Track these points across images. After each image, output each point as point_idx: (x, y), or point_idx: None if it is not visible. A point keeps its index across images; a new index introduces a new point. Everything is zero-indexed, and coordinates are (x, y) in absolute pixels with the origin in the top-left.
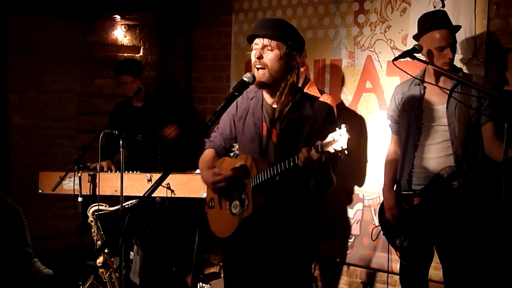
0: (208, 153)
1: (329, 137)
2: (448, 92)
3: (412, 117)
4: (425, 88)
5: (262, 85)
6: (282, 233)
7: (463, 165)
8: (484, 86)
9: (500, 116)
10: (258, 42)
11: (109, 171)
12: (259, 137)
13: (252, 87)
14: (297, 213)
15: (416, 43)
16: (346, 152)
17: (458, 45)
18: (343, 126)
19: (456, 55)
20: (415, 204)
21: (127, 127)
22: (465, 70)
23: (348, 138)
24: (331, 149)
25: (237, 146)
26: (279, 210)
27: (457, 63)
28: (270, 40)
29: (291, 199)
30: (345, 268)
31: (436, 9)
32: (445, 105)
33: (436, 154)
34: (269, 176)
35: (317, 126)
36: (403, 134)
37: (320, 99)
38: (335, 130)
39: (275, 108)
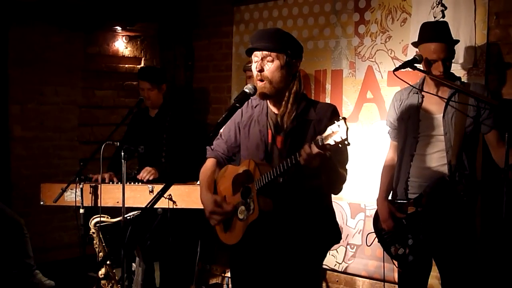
0: (209, 164)
1: (328, 130)
2: (445, 101)
3: (409, 126)
4: (423, 97)
5: (265, 97)
6: (290, 236)
7: (455, 175)
8: (482, 95)
9: (501, 123)
10: (258, 55)
11: (110, 183)
12: (264, 144)
13: (256, 95)
14: (305, 215)
15: (417, 53)
16: (346, 142)
17: (458, 55)
18: (341, 118)
19: (456, 65)
20: (409, 213)
21: (139, 136)
22: (465, 80)
23: (347, 128)
24: (331, 141)
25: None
26: (286, 213)
27: (458, 72)
28: (269, 52)
29: (298, 201)
30: (346, 278)
31: (436, 19)
32: (442, 114)
33: (431, 164)
34: (272, 177)
35: (322, 126)
36: (400, 142)
37: None
38: (334, 123)
39: (278, 114)
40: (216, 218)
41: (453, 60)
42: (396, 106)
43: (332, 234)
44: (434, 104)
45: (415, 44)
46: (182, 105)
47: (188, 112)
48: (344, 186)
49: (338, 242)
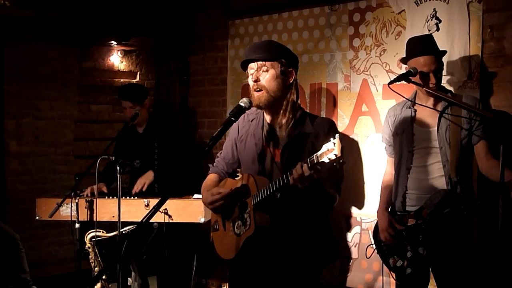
0: (210, 177)
1: (323, 148)
2: (439, 112)
3: (404, 140)
4: (415, 111)
5: (262, 107)
6: (287, 252)
7: (457, 188)
8: (475, 107)
9: (493, 135)
10: (253, 66)
11: (106, 197)
12: (261, 158)
13: (252, 109)
14: (302, 231)
15: (412, 66)
16: (340, 160)
17: (453, 67)
18: (336, 135)
19: (452, 77)
20: (409, 225)
21: (129, 152)
22: (460, 92)
23: (342, 146)
24: (325, 159)
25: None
26: (283, 228)
27: (453, 85)
28: (264, 62)
29: (295, 217)
30: None
31: (430, 32)
32: (436, 128)
33: (429, 175)
34: (268, 193)
35: (319, 141)
36: (396, 157)
37: None
38: (329, 141)
39: (275, 128)
40: (217, 204)
41: (448, 72)
42: (390, 122)
43: (330, 251)
44: (427, 117)
45: (404, 61)
46: (168, 120)
47: (174, 127)
48: (340, 199)
49: (336, 260)
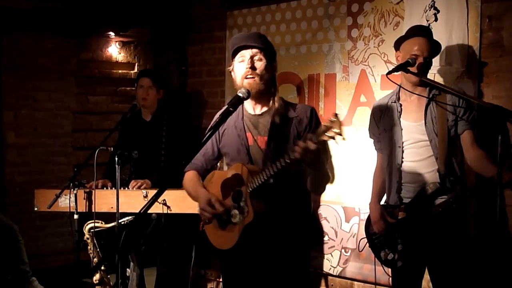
0: (192, 174)
1: (322, 126)
2: (426, 100)
3: (393, 136)
4: (401, 105)
5: (252, 94)
6: (282, 235)
7: (446, 181)
8: (460, 91)
9: (478, 124)
10: (245, 54)
11: (104, 188)
12: (245, 148)
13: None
14: (295, 214)
15: (410, 57)
16: (340, 136)
17: (451, 58)
18: (334, 114)
19: (450, 67)
20: (400, 218)
21: (134, 141)
22: (458, 83)
23: (341, 122)
24: (325, 137)
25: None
26: (278, 212)
27: (451, 76)
28: (258, 51)
29: (289, 201)
30: (341, 282)
31: (428, 22)
32: (423, 121)
33: (423, 170)
34: (264, 179)
35: (303, 126)
36: (387, 153)
37: None
38: (328, 121)
39: (257, 115)
40: (206, 215)
41: (446, 63)
42: (376, 118)
43: (315, 233)
44: (413, 112)
45: (397, 44)
46: (177, 110)
47: (184, 117)
48: (339, 189)
49: (321, 239)
